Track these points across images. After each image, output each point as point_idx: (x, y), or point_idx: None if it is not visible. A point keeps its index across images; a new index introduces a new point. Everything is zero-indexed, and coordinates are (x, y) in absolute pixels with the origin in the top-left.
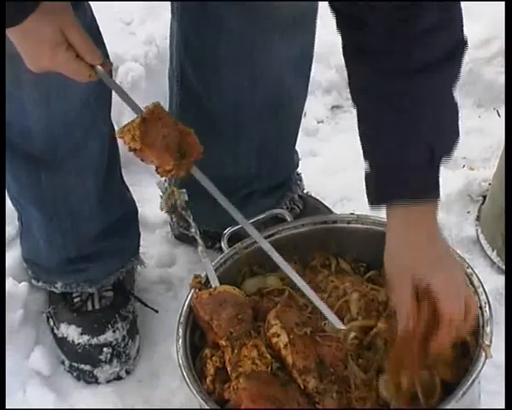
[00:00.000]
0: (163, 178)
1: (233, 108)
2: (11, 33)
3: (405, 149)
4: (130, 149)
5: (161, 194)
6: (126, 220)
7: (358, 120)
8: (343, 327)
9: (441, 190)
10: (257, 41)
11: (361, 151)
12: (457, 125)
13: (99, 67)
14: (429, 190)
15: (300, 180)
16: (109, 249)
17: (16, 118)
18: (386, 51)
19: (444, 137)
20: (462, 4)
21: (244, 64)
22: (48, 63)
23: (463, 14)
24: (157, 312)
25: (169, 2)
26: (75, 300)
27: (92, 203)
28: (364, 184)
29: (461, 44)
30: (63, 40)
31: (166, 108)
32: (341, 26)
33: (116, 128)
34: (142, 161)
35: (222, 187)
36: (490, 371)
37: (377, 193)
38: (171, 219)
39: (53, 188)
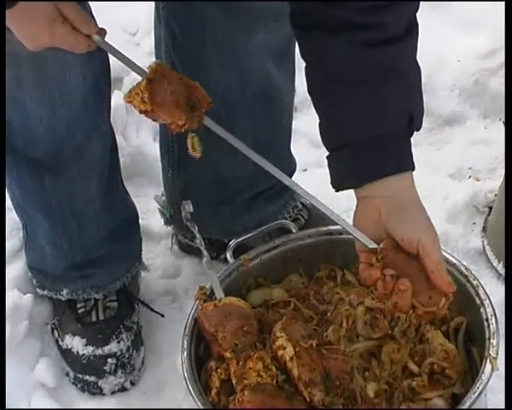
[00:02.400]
0: (160, 193)
1: (224, 105)
2: (6, 16)
3: (385, 120)
4: (141, 111)
5: (159, 207)
6: (129, 224)
7: (328, 103)
8: (375, 246)
9: (447, 201)
10: (241, 36)
11: None
12: (422, 96)
13: (96, 36)
14: (409, 158)
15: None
16: (114, 254)
17: (19, 122)
18: (360, 24)
19: (418, 102)
20: (468, 16)
21: (231, 60)
22: (46, 40)
23: (470, 26)
24: (163, 316)
25: None
26: (80, 310)
27: (96, 205)
28: (330, 170)
29: (416, 13)
30: (58, 15)
31: None
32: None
33: (115, 130)
34: (154, 121)
35: (223, 190)
36: (497, 384)
37: (358, 171)
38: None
39: (57, 191)
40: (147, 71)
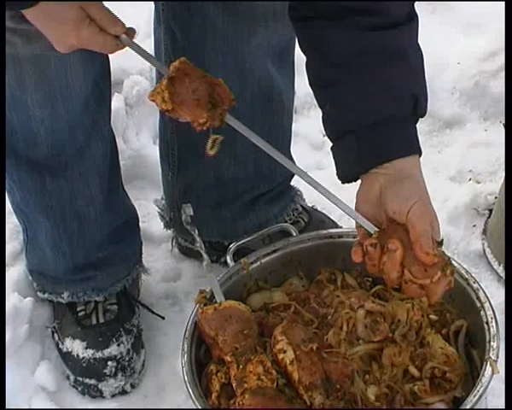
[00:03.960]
0: (160, 197)
1: None
2: (34, 19)
3: (390, 103)
4: (163, 110)
5: (159, 211)
6: (129, 226)
7: (331, 91)
8: (376, 229)
9: (448, 203)
10: (241, 36)
11: None
12: (426, 81)
13: (124, 36)
14: (415, 142)
15: (300, 192)
16: (114, 256)
17: (20, 123)
18: (361, 10)
19: (422, 87)
20: (469, 18)
21: (231, 60)
22: (74, 41)
23: (470, 28)
24: (163, 318)
25: None
26: (80, 313)
27: (97, 207)
28: (338, 160)
29: (414, 4)
30: (85, 16)
31: (158, 115)
32: None
33: (116, 133)
34: (177, 119)
35: (223, 193)
36: (497, 386)
37: (363, 157)
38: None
39: (58, 193)
40: (170, 69)
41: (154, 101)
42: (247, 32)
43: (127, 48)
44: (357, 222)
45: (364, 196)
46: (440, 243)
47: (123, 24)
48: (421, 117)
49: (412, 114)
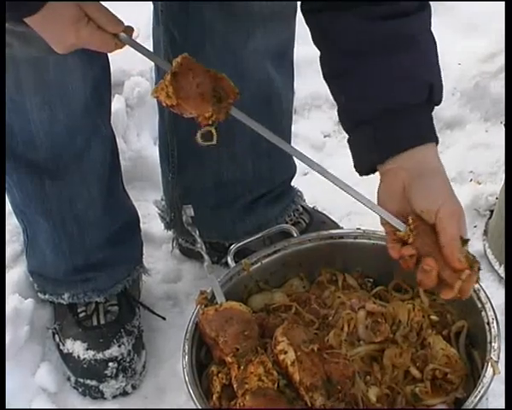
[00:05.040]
0: (160, 198)
1: None
2: (31, 21)
3: (405, 92)
4: (167, 106)
5: (159, 212)
6: (130, 227)
7: (345, 82)
8: (405, 229)
9: None
10: (240, 38)
11: None
12: (440, 69)
13: (123, 34)
14: (431, 130)
15: (300, 193)
16: (115, 257)
17: (20, 126)
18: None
19: (436, 74)
20: (469, 19)
21: (230, 61)
22: (73, 40)
23: (470, 29)
24: (164, 319)
25: None
26: (80, 314)
27: (97, 209)
28: (352, 151)
29: None
30: (82, 15)
31: (157, 116)
32: None
33: (116, 134)
34: (182, 114)
35: (222, 194)
36: (498, 387)
37: (380, 146)
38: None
39: (58, 195)
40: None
41: (157, 97)
42: (246, 33)
43: (129, 48)
44: (382, 218)
45: (387, 192)
46: (466, 242)
47: (121, 22)
48: (437, 105)
49: (427, 101)
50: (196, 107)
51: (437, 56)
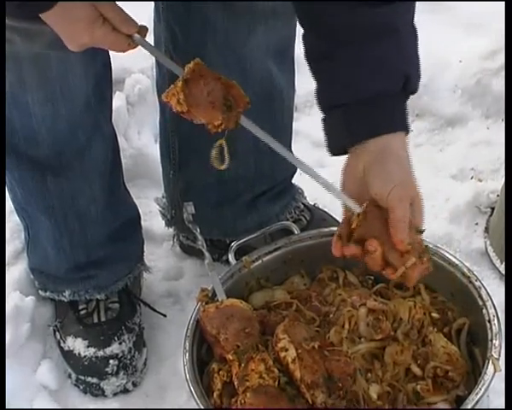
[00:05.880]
0: (161, 195)
1: None
2: (47, 17)
3: (379, 78)
4: (178, 112)
5: (160, 209)
6: (131, 225)
7: (324, 65)
8: (359, 210)
9: (449, 202)
10: (241, 35)
11: None
12: (419, 59)
13: (136, 35)
14: (404, 119)
15: (301, 190)
16: (116, 254)
17: (22, 123)
18: None
19: (414, 64)
20: (469, 18)
21: (232, 59)
22: (87, 40)
23: (471, 27)
24: (165, 316)
25: None
26: (81, 311)
27: (99, 206)
28: (327, 132)
29: None
30: (98, 15)
31: (158, 113)
32: None
33: (117, 132)
34: (192, 121)
35: (224, 191)
36: (499, 385)
37: (351, 130)
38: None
39: (60, 192)
40: (184, 71)
41: (168, 102)
42: (247, 31)
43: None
44: (342, 202)
45: (349, 173)
46: (421, 232)
47: (136, 23)
48: (412, 94)
49: (402, 91)
50: (207, 115)
51: (417, 48)
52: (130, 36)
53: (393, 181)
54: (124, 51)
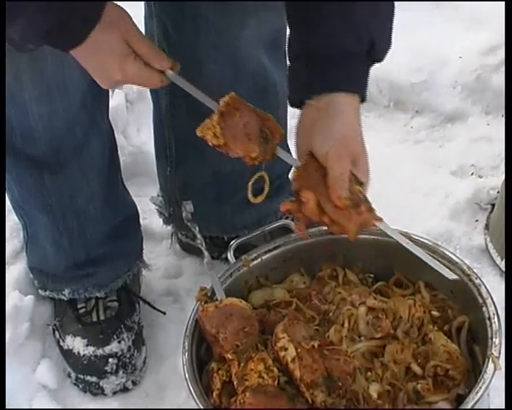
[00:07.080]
0: (156, 194)
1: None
2: (78, 54)
3: (347, 37)
4: (214, 145)
5: (157, 208)
6: (130, 222)
7: (299, 13)
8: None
9: (450, 198)
10: (233, 28)
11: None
12: (391, 33)
13: (169, 71)
14: (362, 83)
15: None
16: (115, 252)
17: (19, 121)
18: None
19: (383, 33)
20: (470, 14)
21: (224, 53)
22: (119, 77)
23: (471, 23)
24: (164, 313)
25: None
26: (80, 310)
27: (97, 204)
28: (288, 81)
29: None
30: (130, 51)
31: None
32: None
33: (116, 130)
34: (227, 154)
35: (222, 188)
36: (499, 383)
37: (310, 82)
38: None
39: (58, 190)
40: (220, 104)
41: (203, 136)
42: (239, 24)
43: None
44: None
45: (299, 127)
46: (361, 183)
47: (168, 59)
48: (378, 62)
49: (366, 54)
50: (243, 147)
51: (391, 21)
52: (163, 72)
53: (334, 138)
54: (156, 87)
